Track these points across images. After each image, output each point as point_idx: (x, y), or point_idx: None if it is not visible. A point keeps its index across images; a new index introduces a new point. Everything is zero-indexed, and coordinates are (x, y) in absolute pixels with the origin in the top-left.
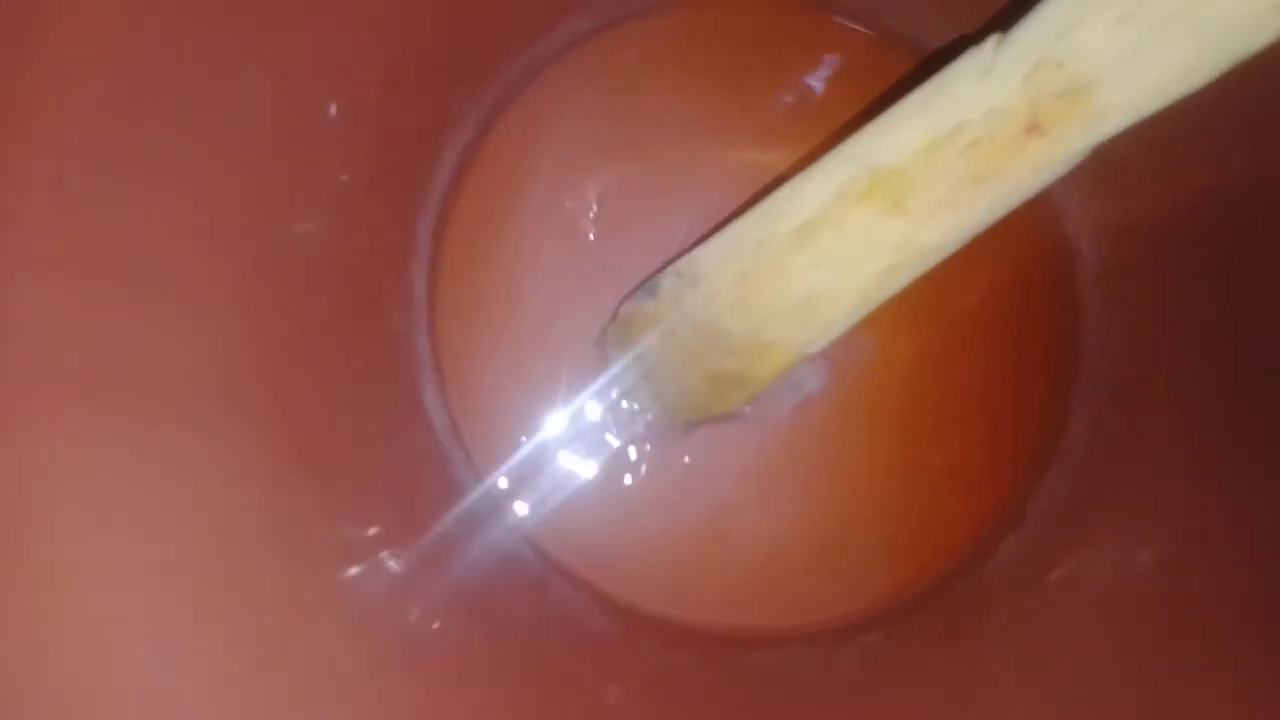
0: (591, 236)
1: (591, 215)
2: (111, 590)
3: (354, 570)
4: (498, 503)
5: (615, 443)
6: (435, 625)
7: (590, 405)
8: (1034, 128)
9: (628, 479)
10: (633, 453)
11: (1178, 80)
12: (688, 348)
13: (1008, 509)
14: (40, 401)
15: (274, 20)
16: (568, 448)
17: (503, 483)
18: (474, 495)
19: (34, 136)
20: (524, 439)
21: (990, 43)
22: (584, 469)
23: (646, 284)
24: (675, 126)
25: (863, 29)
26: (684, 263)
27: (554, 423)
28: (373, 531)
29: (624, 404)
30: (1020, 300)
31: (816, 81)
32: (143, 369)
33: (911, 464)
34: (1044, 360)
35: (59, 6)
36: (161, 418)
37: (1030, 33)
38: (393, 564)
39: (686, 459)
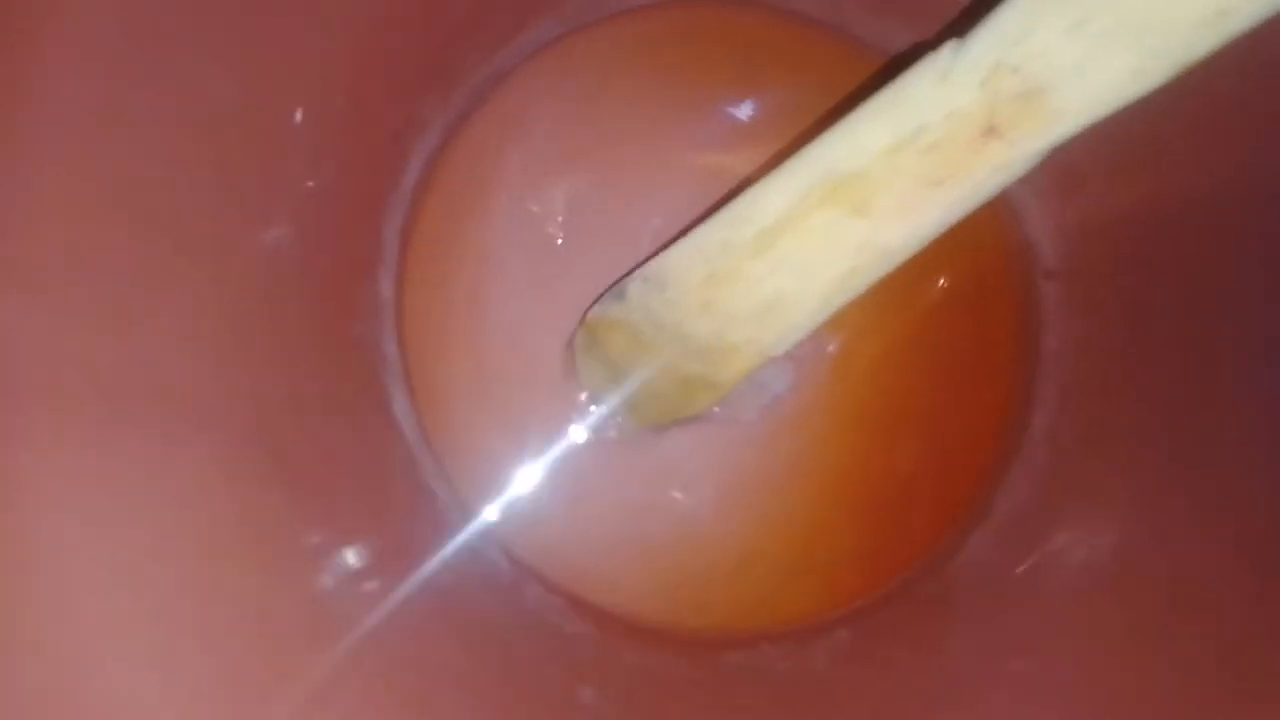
0: (559, 241)
1: (559, 220)
2: (79, 597)
3: (325, 576)
4: (468, 507)
5: (586, 446)
6: (407, 630)
7: (559, 410)
8: (991, 131)
9: (599, 482)
10: (603, 456)
11: (1128, 84)
12: (655, 351)
13: (973, 505)
14: (6, 413)
15: (236, 28)
16: (538, 452)
17: (473, 488)
18: (445, 500)
19: None
20: (494, 444)
21: (948, 48)
22: (554, 473)
23: (613, 288)
24: (641, 131)
25: (826, 33)
26: (650, 267)
27: (524, 427)
28: (343, 538)
29: (593, 408)
30: (981, 300)
31: (781, 85)
32: (109, 378)
33: (878, 462)
34: (1006, 358)
35: (28, 26)
36: (129, 426)
37: (986, 38)
38: (364, 570)
39: (656, 461)
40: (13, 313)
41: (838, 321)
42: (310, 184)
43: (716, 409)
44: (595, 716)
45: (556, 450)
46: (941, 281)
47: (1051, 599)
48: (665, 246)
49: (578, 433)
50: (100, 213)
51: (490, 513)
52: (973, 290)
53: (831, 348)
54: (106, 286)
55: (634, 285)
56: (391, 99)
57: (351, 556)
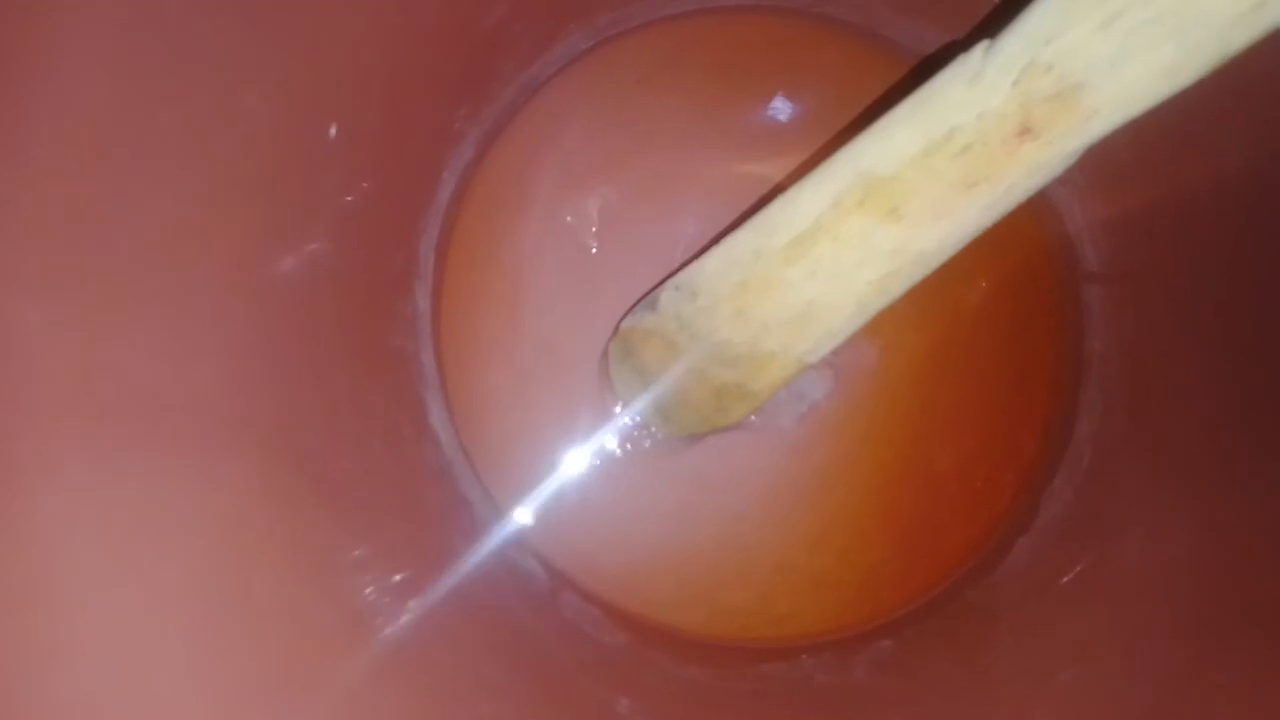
0: (593, 251)
1: (593, 230)
2: (117, 609)
3: (361, 586)
4: (505, 517)
5: (621, 456)
6: (444, 640)
7: (595, 420)
8: (1025, 131)
9: (635, 492)
10: (639, 466)
11: (1165, 80)
12: (689, 361)
13: (1017, 513)
14: (44, 423)
15: (271, 44)
16: (574, 462)
17: (510, 497)
18: (481, 510)
19: (36, 159)
20: (530, 454)
21: (979, 48)
22: (591, 483)
23: (646, 298)
24: (673, 139)
25: (857, 37)
26: (683, 276)
27: (560, 437)
28: (381, 548)
29: (629, 418)
30: (1022, 302)
31: (813, 91)
32: (147, 391)
33: (919, 470)
34: (1048, 361)
35: (59, 35)
36: (167, 439)
37: (1018, 37)
38: (400, 580)
39: (693, 471)
40: (47, 326)
41: (875, 327)
42: (348, 198)
43: (754, 418)
44: None
45: (592, 460)
46: (982, 284)
47: (1099, 608)
48: (697, 255)
49: (613, 443)
50: (133, 227)
51: (527, 522)
52: (1013, 293)
53: (870, 354)
54: (140, 299)
55: (666, 294)
56: (425, 113)
57: (387, 566)
